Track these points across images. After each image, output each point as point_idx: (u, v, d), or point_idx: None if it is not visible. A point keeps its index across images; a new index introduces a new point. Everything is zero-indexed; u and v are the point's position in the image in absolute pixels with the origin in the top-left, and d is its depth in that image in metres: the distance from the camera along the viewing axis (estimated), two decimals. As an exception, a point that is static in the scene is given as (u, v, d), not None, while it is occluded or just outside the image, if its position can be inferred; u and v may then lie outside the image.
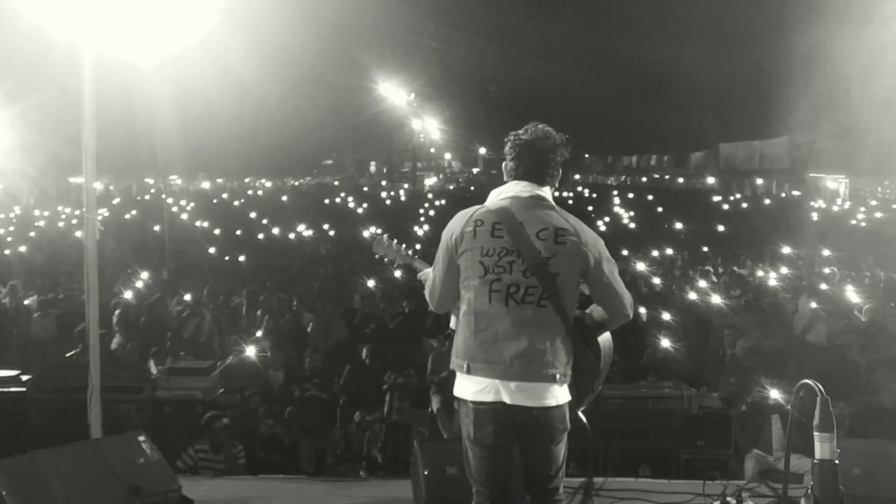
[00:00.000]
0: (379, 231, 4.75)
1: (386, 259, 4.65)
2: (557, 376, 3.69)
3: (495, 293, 3.69)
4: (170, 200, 30.82)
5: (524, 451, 3.82)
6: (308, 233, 24.78)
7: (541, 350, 3.67)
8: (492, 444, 3.74)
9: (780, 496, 4.59)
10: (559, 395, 3.72)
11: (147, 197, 41.50)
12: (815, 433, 3.83)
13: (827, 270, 16.08)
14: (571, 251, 3.73)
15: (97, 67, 6.18)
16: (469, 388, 3.74)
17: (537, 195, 3.84)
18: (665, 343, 9.89)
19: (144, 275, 15.28)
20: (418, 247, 19.06)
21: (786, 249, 19.44)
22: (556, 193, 4.01)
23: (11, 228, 27.14)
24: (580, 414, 3.90)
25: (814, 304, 11.74)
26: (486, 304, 3.70)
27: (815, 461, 3.82)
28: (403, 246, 4.55)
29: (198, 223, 27.16)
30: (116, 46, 6.53)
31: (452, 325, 4.09)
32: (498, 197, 3.88)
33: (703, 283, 14.42)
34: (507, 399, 3.67)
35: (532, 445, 3.79)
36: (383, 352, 10.30)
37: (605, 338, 3.94)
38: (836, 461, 3.81)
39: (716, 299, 12.57)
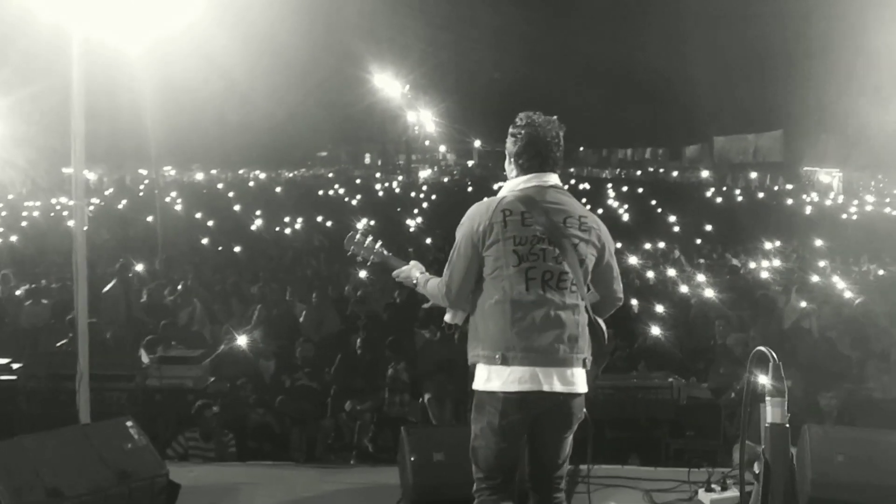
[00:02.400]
0: (360, 227, 4.58)
1: (359, 257, 4.45)
2: (586, 360, 3.77)
3: (532, 280, 3.70)
4: (173, 194, 30.83)
5: (538, 438, 3.84)
6: (299, 224, 24.74)
7: (574, 335, 3.73)
8: (515, 432, 3.75)
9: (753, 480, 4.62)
10: (583, 381, 3.78)
11: (141, 188, 41.30)
12: (767, 398, 3.86)
13: (822, 264, 16.14)
14: (594, 237, 3.83)
15: (88, 55, 6.16)
16: (502, 377, 3.69)
17: (555, 184, 3.90)
18: (655, 332, 9.93)
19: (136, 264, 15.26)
20: (411, 249, 19.16)
21: (778, 243, 19.50)
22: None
23: (3, 214, 27.09)
24: None
25: (804, 304, 11.80)
26: (524, 293, 3.69)
27: (766, 425, 3.86)
28: (378, 244, 4.39)
29: (195, 214, 27.11)
30: (105, 29, 6.52)
31: (448, 318, 4.08)
32: (517, 188, 3.89)
33: (699, 276, 14.47)
34: (544, 387, 3.67)
35: (550, 433, 3.82)
36: (375, 342, 10.31)
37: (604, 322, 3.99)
38: (787, 425, 3.83)
39: (708, 291, 12.62)
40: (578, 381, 3.74)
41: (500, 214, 3.77)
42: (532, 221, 3.75)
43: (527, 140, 3.89)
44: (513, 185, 3.92)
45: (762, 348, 3.93)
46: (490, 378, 3.73)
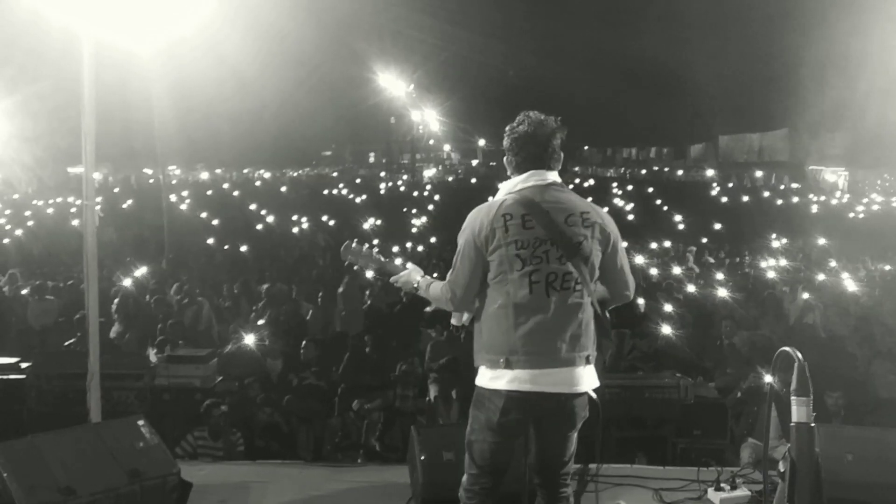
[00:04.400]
0: (353, 240, 4.53)
1: (356, 266, 4.46)
2: (590, 357, 3.79)
3: (535, 284, 3.71)
4: (174, 196, 30.84)
5: (543, 437, 3.86)
6: (305, 223, 24.79)
7: (577, 334, 3.74)
8: (512, 430, 3.78)
9: (773, 481, 4.63)
10: (587, 379, 3.80)
11: (146, 185, 41.43)
12: (793, 397, 3.86)
13: (833, 263, 16.11)
14: (598, 233, 3.81)
15: (96, 55, 6.19)
16: (505, 379, 3.72)
17: (553, 182, 3.88)
18: (666, 331, 9.94)
19: (142, 264, 15.31)
20: (410, 246, 19.19)
21: (784, 241, 19.47)
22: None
23: (8, 212, 27.14)
24: (591, 392, 3.90)
25: (806, 295, 11.79)
26: (528, 296, 3.71)
27: (792, 424, 3.86)
28: (375, 250, 4.39)
29: (200, 214, 27.16)
30: (114, 31, 6.54)
31: (455, 321, 4.10)
32: (514, 189, 3.88)
33: (710, 275, 14.48)
34: (548, 388, 3.70)
35: (554, 432, 3.85)
36: (382, 341, 10.33)
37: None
38: (812, 424, 3.84)
39: (718, 291, 12.61)
40: (581, 380, 3.77)
41: (501, 219, 3.76)
42: (533, 224, 3.75)
43: (521, 136, 3.90)
44: (511, 185, 3.91)
45: (787, 349, 3.93)
46: (494, 378, 3.77)
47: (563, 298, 3.72)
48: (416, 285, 4.13)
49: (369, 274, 14.20)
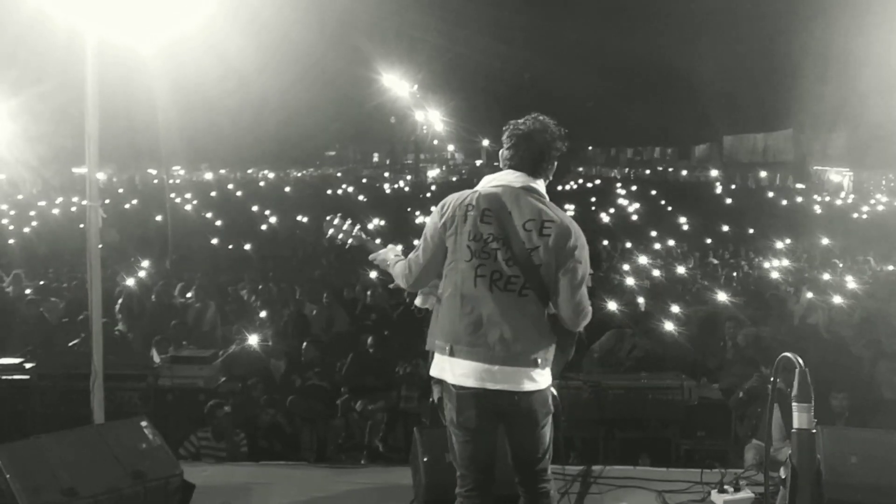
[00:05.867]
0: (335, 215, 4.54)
1: (338, 240, 4.43)
2: (539, 360, 3.77)
3: (480, 278, 3.75)
4: (178, 196, 30.90)
5: (510, 434, 3.90)
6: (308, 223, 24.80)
7: (522, 336, 3.74)
8: (474, 427, 3.81)
9: (776, 483, 4.62)
10: (540, 379, 3.79)
11: (151, 186, 41.50)
12: (794, 403, 3.86)
13: (840, 264, 16.07)
14: (554, 243, 3.74)
15: (100, 55, 6.19)
16: (451, 371, 3.80)
17: (529, 186, 3.86)
18: (669, 329, 9.93)
19: (146, 264, 15.34)
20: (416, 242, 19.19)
21: (788, 241, 19.44)
22: (560, 187, 4.02)
23: (13, 212, 27.17)
24: (552, 389, 3.91)
25: (810, 295, 11.77)
26: (472, 288, 3.75)
27: (794, 430, 3.85)
28: (357, 227, 4.40)
29: (204, 214, 27.21)
30: (118, 30, 6.53)
31: (419, 302, 4.15)
32: (490, 183, 3.91)
33: (714, 276, 14.47)
34: (489, 384, 3.73)
35: (517, 429, 3.87)
36: (386, 341, 10.32)
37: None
38: (814, 430, 3.83)
39: (720, 292, 12.58)
40: (529, 379, 3.75)
41: (464, 208, 3.81)
42: (491, 220, 3.76)
43: (518, 135, 3.92)
44: (490, 179, 3.94)
45: (788, 354, 3.92)
46: (441, 367, 3.85)
47: (507, 297, 3.73)
48: (389, 263, 4.18)
49: (373, 274, 14.37)
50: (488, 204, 3.79)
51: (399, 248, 4.27)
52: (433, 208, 3.97)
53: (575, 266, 3.76)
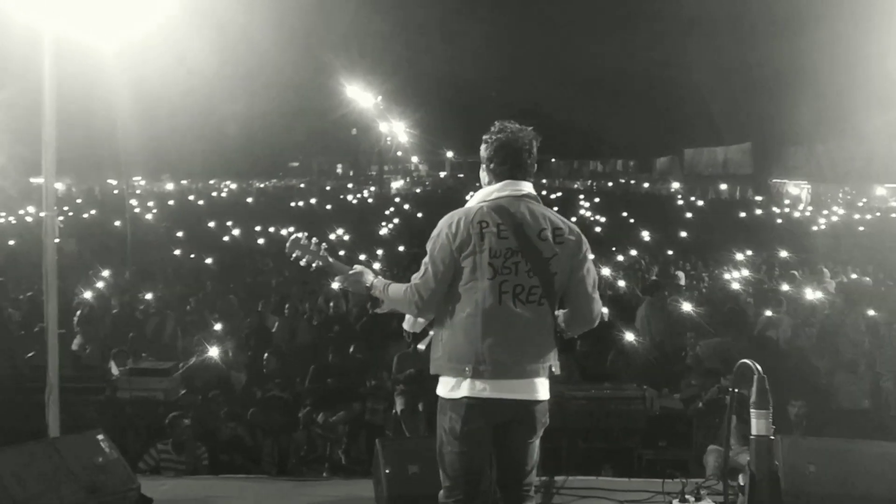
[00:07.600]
0: (300, 234, 4.33)
1: (303, 261, 4.17)
2: (553, 368, 3.80)
3: (505, 294, 3.71)
4: (133, 202, 30.54)
5: (505, 446, 3.85)
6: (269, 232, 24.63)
7: (541, 347, 3.76)
8: (479, 439, 3.76)
9: (736, 492, 4.65)
10: (546, 388, 3.81)
11: (111, 196, 40.95)
12: (752, 410, 3.89)
13: (803, 274, 16.28)
14: (568, 251, 3.79)
15: (58, 57, 6.07)
16: (468, 388, 3.71)
17: (528, 193, 3.87)
18: (629, 340, 9.98)
19: (105, 274, 15.12)
20: (380, 252, 19.16)
21: (749, 253, 19.67)
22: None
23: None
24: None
25: (769, 313, 11.91)
26: (497, 306, 3.70)
27: (752, 436, 3.88)
28: (323, 246, 4.17)
29: (165, 225, 26.91)
30: (76, 27, 6.40)
31: (407, 326, 4.06)
32: (489, 197, 3.86)
33: (675, 287, 14.58)
34: (506, 394, 3.71)
35: (516, 439, 3.83)
36: (349, 353, 10.26)
37: None
38: (772, 437, 3.87)
39: (683, 303, 12.68)
40: (541, 388, 3.79)
41: (478, 226, 3.75)
42: (507, 234, 3.74)
43: (498, 145, 3.89)
44: (485, 193, 3.89)
45: (747, 361, 3.96)
46: (457, 388, 3.75)
47: (530, 310, 3.73)
48: (369, 285, 4.02)
49: (335, 285, 14.28)
50: (500, 218, 3.77)
51: (370, 271, 4.10)
52: (436, 230, 3.82)
53: (589, 272, 3.85)
